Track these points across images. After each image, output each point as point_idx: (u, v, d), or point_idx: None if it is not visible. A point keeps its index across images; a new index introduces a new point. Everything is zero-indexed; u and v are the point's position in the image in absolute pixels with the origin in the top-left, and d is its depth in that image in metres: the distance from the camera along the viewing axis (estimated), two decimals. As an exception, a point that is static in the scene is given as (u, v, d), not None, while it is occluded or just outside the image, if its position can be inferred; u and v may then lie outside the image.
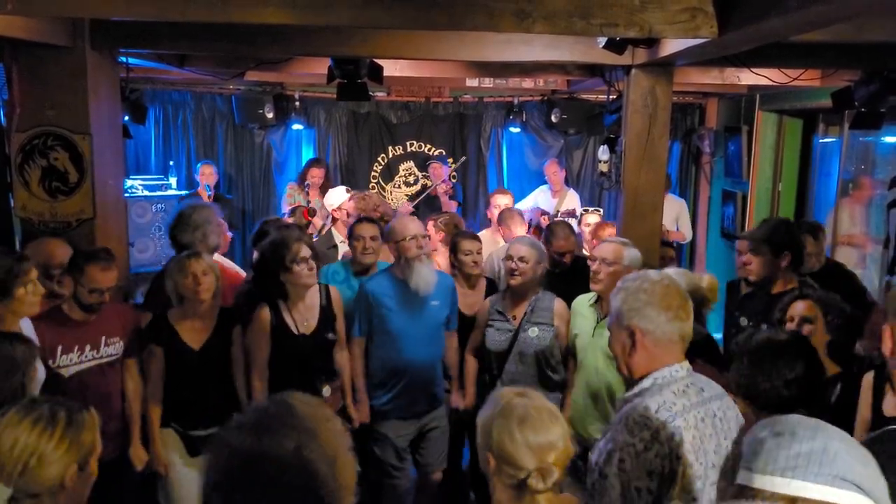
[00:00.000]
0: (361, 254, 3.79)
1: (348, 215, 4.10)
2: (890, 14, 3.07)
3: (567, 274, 4.19)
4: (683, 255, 7.33)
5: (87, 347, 3.13)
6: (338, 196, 5.26)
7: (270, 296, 3.34)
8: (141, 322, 3.35)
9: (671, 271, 2.93)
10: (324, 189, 6.51)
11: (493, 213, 5.51)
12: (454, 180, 7.42)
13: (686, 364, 1.95)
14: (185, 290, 3.18)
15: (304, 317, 3.37)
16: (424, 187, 7.32)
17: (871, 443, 1.48)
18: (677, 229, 6.40)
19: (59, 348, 3.06)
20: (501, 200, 5.57)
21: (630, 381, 1.98)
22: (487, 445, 1.80)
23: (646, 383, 1.91)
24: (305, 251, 3.28)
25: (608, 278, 3.28)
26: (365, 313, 3.58)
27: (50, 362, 3.01)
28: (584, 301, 3.54)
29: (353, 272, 3.87)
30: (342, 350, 3.56)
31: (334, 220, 5.14)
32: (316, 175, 6.60)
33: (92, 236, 3.68)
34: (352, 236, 3.85)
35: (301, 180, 6.66)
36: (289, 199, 6.55)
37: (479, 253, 3.96)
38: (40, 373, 2.69)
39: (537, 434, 1.75)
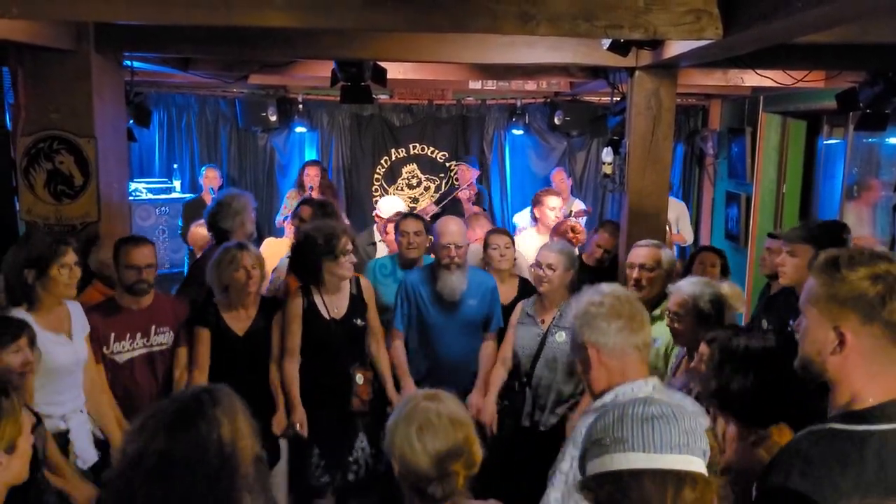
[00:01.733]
0: (407, 249, 3.91)
1: (302, 221, 4.15)
2: (895, 15, 3.05)
3: (603, 272, 4.27)
4: (687, 258, 7.31)
5: (138, 335, 3.28)
6: (388, 206, 5.24)
7: (305, 280, 3.46)
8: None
9: (691, 280, 2.91)
10: (323, 190, 6.47)
11: (543, 212, 5.43)
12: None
13: (653, 381, 1.91)
14: (234, 283, 3.27)
15: (334, 303, 3.47)
16: (449, 188, 7.28)
17: (808, 441, 1.47)
18: (678, 231, 6.38)
19: (112, 335, 3.23)
20: (553, 202, 5.40)
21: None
22: (391, 451, 1.78)
23: (606, 398, 1.88)
24: (350, 245, 3.42)
25: (650, 284, 3.30)
26: (404, 304, 3.68)
27: (105, 349, 3.21)
28: None
29: (399, 266, 3.97)
30: (377, 341, 3.63)
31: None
32: (312, 173, 6.53)
33: (96, 239, 3.68)
34: (397, 231, 3.96)
35: (299, 185, 6.61)
36: (285, 210, 6.50)
37: (507, 247, 4.00)
38: (62, 356, 2.87)
39: (437, 441, 1.72)
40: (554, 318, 3.50)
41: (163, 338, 3.33)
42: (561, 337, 3.43)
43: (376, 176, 7.65)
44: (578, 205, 6.68)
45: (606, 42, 3.43)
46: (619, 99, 4.60)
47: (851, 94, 4.58)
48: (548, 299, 3.54)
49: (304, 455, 3.44)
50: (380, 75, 4.38)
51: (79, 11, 2.76)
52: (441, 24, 2.80)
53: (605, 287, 2.01)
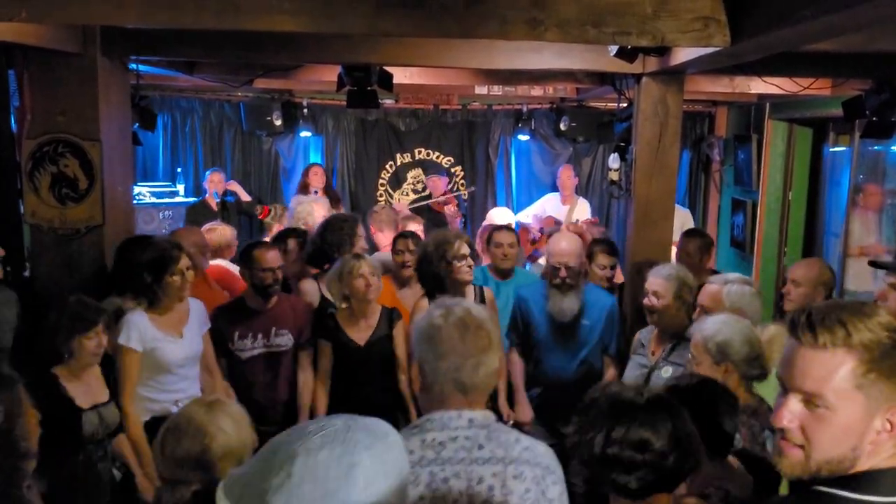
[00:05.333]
0: (501, 259, 4.00)
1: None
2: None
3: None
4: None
5: (260, 335, 3.48)
6: (500, 216, 5.55)
7: (431, 291, 3.48)
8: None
9: (715, 318, 2.52)
10: (328, 192, 6.45)
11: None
12: (461, 194, 7.29)
13: (473, 414, 1.65)
14: (354, 292, 3.33)
15: None
16: (431, 196, 7.28)
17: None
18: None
19: (237, 334, 3.46)
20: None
21: None
22: None
23: (418, 421, 1.70)
24: (465, 249, 3.44)
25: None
26: (518, 319, 3.65)
27: (230, 345, 3.46)
28: None
29: (492, 276, 4.03)
30: None
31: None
32: (319, 172, 6.55)
33: (101, 243, 3.67)
34: (491, 242, 4.02)
35: (302, 188, 6.59)
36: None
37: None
38: (170, 354, 3.08)
39: (171, 445, 1.78)
40: (663, 351, 3.13)
41: (282, 339, 3.50)
42: (667, 372, 3.02)
43: (381, 180, 7.65)
44: (582, 206, 6.67)
45: (613, 48, 3.41)
46: (625, 105, 4.60)
47: (858, 102, 4.56)
48: (661, 329, 3.20)
49: None
50: (386, 80, 4.38)
51: (89, 15, 2.76)
52: (450, 29, 2.79)
53: (459, 308, 1.71)
